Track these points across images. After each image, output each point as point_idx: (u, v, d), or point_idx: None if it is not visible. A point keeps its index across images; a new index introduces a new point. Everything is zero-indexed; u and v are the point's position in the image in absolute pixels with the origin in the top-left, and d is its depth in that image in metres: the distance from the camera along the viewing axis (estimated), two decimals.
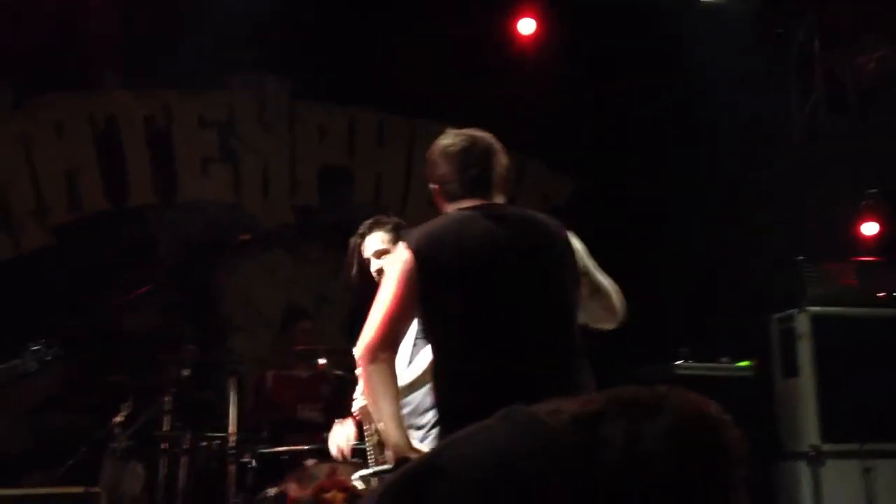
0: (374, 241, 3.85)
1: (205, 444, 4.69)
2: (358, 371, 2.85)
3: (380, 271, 3.77)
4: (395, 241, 3.79)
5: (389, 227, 3.86)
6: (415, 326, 3.18)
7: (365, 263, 3.86)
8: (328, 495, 4.71)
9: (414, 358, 3.53)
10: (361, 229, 3.88)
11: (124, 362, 5.24)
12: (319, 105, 7.08)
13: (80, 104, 6.49)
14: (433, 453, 0.46)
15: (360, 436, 3.76)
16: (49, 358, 3.52)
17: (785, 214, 5.89)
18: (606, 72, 7.04)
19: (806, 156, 6.13)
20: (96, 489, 4.61)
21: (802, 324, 5.50)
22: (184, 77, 6.60)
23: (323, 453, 4.78)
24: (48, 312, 5.83)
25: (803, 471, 5.29)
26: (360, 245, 3.87)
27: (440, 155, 2.95)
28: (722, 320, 5.86)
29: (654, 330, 5.88)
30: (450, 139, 2.98)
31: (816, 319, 5.48)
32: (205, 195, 6.76)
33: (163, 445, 4.88)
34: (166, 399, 4.84)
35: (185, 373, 4.87)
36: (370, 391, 2.75)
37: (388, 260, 3.32)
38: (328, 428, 4.06)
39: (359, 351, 2.76)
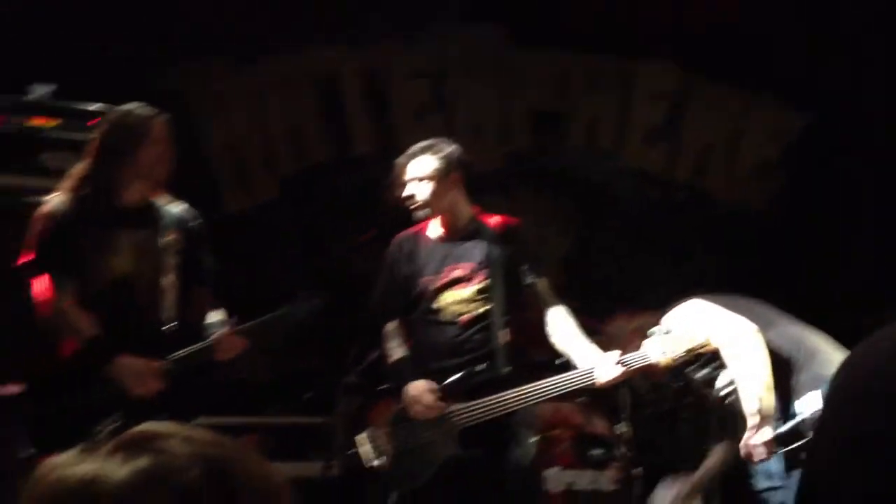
0: (418, 166, 3.67)
1: None
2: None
3: (411, 197, 3.66)
4: (440, 174, 3.64)
5: (440, 156, 3.66)
6: None
7: (402, 186, 3.70)
8: (554, 433, 4.76)
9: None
10: (412, 150, 3.71)
11: (352, 304, 5.42)
12: (531, 50, 7.05)
13: (300, 61, 6.74)
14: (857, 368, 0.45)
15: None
16: (315, 307, 3.63)
17: None
18: None
19: None
20: (333, 420, 4.83)
21: None
22: (395, 29, 6.73)
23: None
24: (280, 260, 6.13)
25: None
26: (404, 167, 3.71)
27: None
28: None
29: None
30: None
31: None
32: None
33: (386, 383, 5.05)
34: None
35: None
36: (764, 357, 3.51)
37: None
38: (564, 368, 3.95)
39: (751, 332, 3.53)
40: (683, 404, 5.01)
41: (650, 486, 4.79)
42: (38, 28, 5.63)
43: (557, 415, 4.81)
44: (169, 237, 3.54)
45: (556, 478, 4.58)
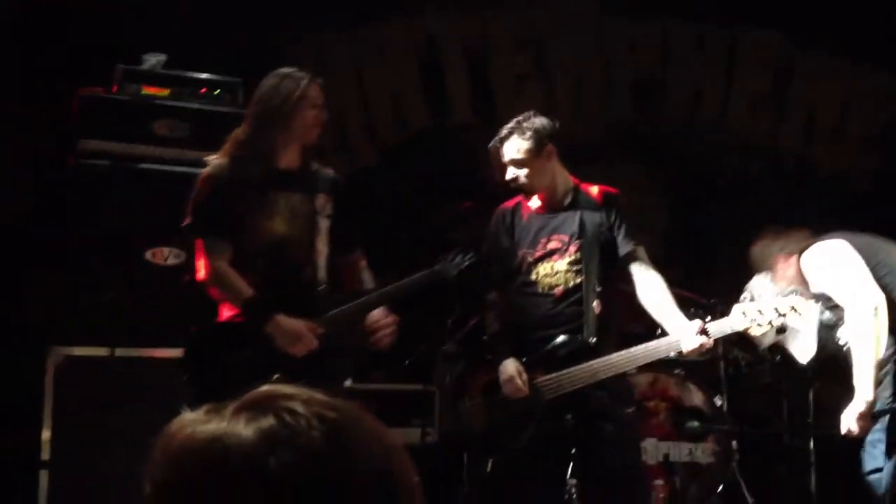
0: (511, 149, 3.72)
1: None
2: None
3: (514, 179, 3.71)
4: (533, 153, 3.69)
5: (529, 135, 3.70)
6: None
7: (502, 168, 3.75)
8: (650, 404, 4.76)
9: None
10: (501, 133, 3.75)
11: None
12: (631, 18, 6.95)
13: (402, 28, 6.77)
14: None
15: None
16: (465, 265, 3.63)
17: None
18: None
19: None
20: (432, 388, 4.91)
21: None
22: None
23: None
24: (380, 226, 6.21)
25: None
26: (498, 150, 3.76)
27: None
28: None
29: None
30: None
31: None
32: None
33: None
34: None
35: None
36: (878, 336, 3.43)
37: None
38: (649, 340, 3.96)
39: (868, 306, 3.44)
40: (782, 377, 4.95)
41: (747, 459, 4.77)
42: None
43: (654, 386, 4.80)
44: (322, 200, 3.59)
45: (652, 449, 4.58)
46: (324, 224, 3.57)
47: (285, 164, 3.56)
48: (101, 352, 4.09)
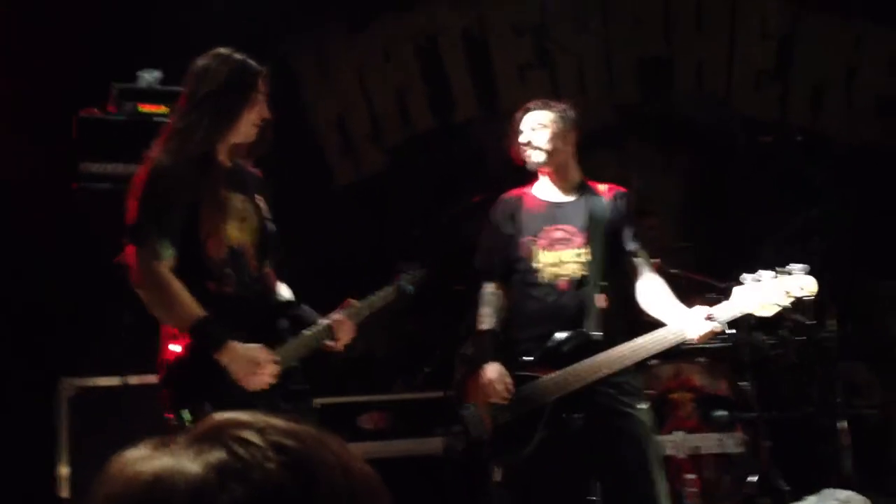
0: (539, 116, 3.65)
1: None
2: None
3: (528, 143, 3.63)
4: (558, 126, 3.62)
5: (558, 113, 3.65)
6: None
7: (518, 133, 3.67)
8: (675, 396, 4.66)
9: None
10: (530, 104, 3.70)
11: (464, 272, 5.41)
12: None
13: (402, 25, 6.70)
14: None
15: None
16: (421, 280, 3.46)
17: None
18: None
19: None
20: (452, 394, 4.82)
21: None
22: None
23: (666, 354, 4.71)
24: (390, 229, 6.15)
25: None
26: (521, 119, 3.69)
27: None
28: None
29: None
30: None
31: None
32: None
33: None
34: None
35: None
36: None
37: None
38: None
39: None
40: (807, 358, 4.85)
41: (780, 444, 4.66)
42: (142, 14, 5.69)
43: (678, 377, 4.71)
44: (261, 202, 3.22)
45: (680, 443, 4.48)
46: (271, 228, 3.21)
47: (220, 160, 3.13)
48: (113, 381, 4.04)
